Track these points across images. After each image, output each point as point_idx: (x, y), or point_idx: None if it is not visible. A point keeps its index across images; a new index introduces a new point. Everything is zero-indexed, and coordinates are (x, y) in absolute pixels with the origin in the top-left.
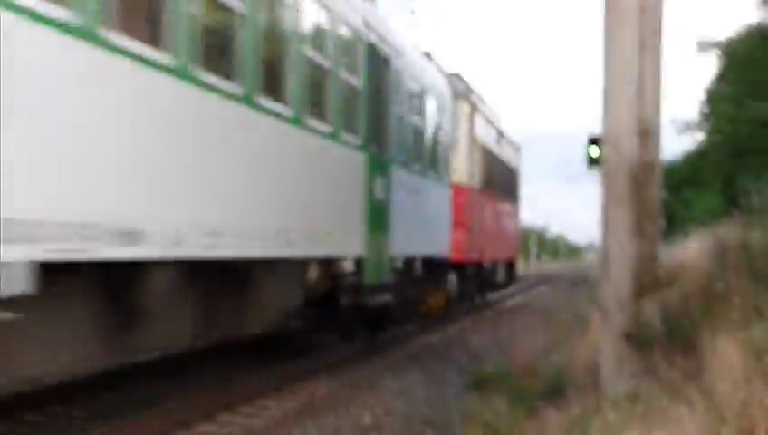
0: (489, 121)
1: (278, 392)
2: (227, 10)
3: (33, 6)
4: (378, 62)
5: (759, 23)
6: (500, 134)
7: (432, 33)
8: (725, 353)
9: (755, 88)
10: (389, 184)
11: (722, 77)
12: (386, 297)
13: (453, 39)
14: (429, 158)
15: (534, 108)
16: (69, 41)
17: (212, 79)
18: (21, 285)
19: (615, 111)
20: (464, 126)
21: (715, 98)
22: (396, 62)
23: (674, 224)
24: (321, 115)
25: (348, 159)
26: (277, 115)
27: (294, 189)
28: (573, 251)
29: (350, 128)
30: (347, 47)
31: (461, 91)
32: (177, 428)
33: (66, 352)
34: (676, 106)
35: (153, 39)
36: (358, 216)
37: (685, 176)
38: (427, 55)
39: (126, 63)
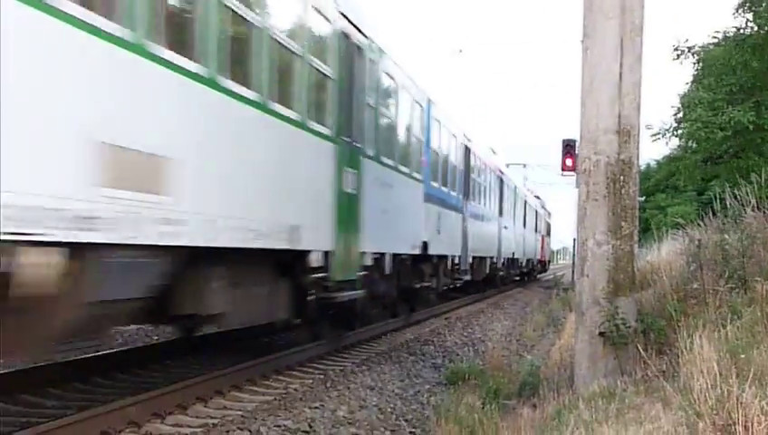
0: (538, 199)
1: (251, 385)
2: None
3: None
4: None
5: (736, 29)
6: (544, 205)
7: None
8: (701, 351)
9: (730, 94)
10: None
11: (697, 83)
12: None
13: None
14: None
15: (502, 121)
16: None
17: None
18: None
19: (594, 110)
20: (538, 210)
21: (689, 103)
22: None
23: (648, 229)
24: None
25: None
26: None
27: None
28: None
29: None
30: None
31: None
32: (152, 418)
33: None
34: (652, 112)
35: None
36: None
37: (659, 181)
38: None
39: None
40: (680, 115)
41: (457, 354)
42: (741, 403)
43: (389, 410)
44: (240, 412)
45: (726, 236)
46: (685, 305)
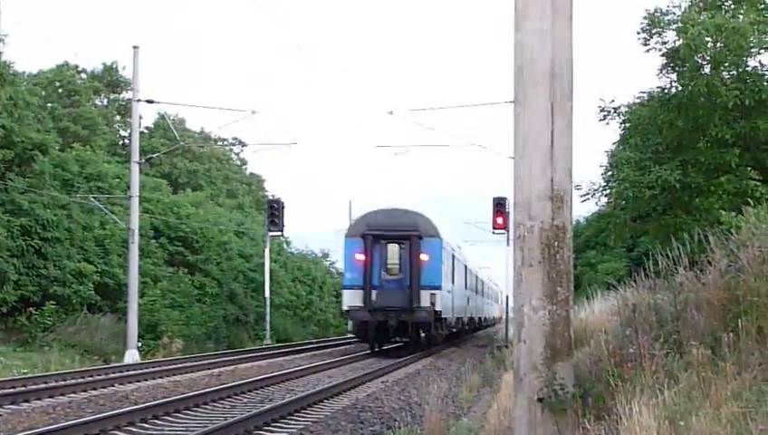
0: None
1: None
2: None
3: None
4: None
5: (660, 89)
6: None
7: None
8: (640, 418)
9: (656, 153)
10: None
11: (624, 142)
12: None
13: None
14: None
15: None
16: None
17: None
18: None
19: (527, 176)
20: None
21: (617, 163)
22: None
23: (579, 285)
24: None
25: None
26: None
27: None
28: None
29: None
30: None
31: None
32: None
33: None
34: (580, 172)
35: None
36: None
37: (588, 238)
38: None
39: None
40: (609, 174)
41: (395, 420)
42: None
43: None
44: None
45: (660, 296)
46: (621, 370)
